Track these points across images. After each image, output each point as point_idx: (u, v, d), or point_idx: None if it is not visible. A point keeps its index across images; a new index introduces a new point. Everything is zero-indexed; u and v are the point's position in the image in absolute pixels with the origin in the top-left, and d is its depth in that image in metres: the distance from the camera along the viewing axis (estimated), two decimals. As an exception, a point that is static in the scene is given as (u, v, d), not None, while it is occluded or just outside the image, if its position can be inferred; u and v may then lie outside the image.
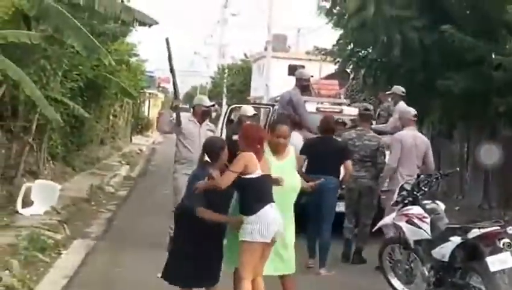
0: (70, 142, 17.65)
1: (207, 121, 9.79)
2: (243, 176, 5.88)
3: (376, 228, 7.91)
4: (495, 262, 5.98)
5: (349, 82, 24.07)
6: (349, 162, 8.79)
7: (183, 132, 9.43)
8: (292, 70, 46.36)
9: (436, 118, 15.95)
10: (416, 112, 9.41)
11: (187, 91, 74.56)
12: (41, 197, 11.43)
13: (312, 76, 11.55)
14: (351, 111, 11.99)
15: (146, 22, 12.69)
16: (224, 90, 52.63)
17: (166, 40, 9.14)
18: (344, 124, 10.90)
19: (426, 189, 7.32)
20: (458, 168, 9.05)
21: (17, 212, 10.98)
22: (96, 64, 18.15)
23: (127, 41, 22.15)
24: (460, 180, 16.10)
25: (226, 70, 56.46)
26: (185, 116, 9.60)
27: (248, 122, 8.66)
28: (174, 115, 9.55)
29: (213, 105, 10.25)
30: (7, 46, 11.22)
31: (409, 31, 14.08)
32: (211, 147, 6.21)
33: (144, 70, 30.38)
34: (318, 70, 34.18)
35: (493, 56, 13.06)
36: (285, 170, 6.33)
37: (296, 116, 10.32)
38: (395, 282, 7.47)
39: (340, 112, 12.00)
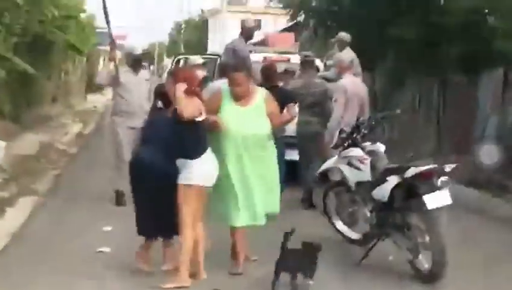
0: (18, 99, 17.19)
1: (143, 71, 9.78)
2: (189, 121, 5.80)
3: (319, 171, 7.85)
4: (432, 200, 5.95)
5: (303, 34, 23.89)
6: (291, 105, 8.56)
7: (121, 80, 9.30)
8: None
9: (389, 67, 15.91)
10: (352, 59, 9.45)
11: (146, 48, 73.50)
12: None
13: (255, 24, 11.24)
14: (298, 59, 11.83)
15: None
16: (182, 46, 52.11)
17: None
18: (293, 72, 10.75)
19: (366, 131, 7.28)
20: (399, 111, 9.01)
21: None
22: (42, 19, 17.72)
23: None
24: (413, 128, 16.17)
25: (183, 26, 55.88)
26: (121, 68, 9.53)
27: None
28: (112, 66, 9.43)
29: (147, 53, 10.16)
30: None
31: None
32: (162, 93, 6.30)
33: (94, 26, 29.65)
34: (274, 24, 34.09)
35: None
36: (249, 115, 6.27)
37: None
38: (339, 225, 7.51)
39: (288, 60, 11.92)
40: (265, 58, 11.51)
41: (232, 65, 9.40)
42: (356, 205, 7.18)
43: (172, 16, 61.59)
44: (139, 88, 9.28)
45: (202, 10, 54.53)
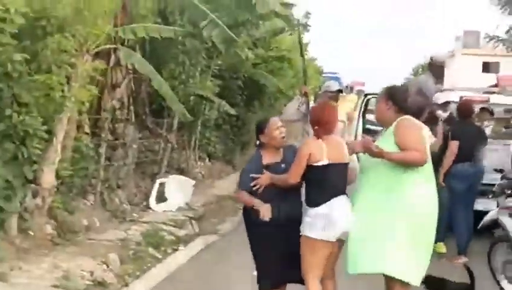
0: (230, 140, 17.57)
1: None
2: (308, 165, 5.17)
3: (481, 225, 6.76)
4: None
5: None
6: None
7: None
8: (486, 67, 44.10)
9: None
10: None
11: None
12: (176, 193, 11.30)
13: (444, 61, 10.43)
14: (502, 99, 11.12)
15: (281, 12, 12.23)
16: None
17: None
18: (490, 112, 9.94)
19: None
20: None
21: (150, 208, 10.93)
22: (257, 62, 18.04)
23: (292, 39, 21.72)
24: None
25: (420, 70, 54.76)
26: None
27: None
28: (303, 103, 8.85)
29: (340, 91, 9.30)
30: (143, 41, 11.33)
31: None
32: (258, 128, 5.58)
33: (320, 70, 29.85)
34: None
35: None
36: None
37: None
38: (504, 284, 6.49)
39: (487, 100, 10.91)
40: (461, 97, 10.47)
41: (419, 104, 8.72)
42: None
43: (411, 60, 60.23)
44: None
45: (446, 58, 53.04)
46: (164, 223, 9.94)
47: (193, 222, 10.53)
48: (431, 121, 8.96)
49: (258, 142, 5.53)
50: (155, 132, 12.83)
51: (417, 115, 8.43)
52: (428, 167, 5.15)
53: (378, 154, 4.98)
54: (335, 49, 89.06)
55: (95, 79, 9.16)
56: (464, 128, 8.56)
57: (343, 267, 5.21)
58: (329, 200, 5.13)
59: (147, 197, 11.30)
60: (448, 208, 8.35)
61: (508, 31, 16.09)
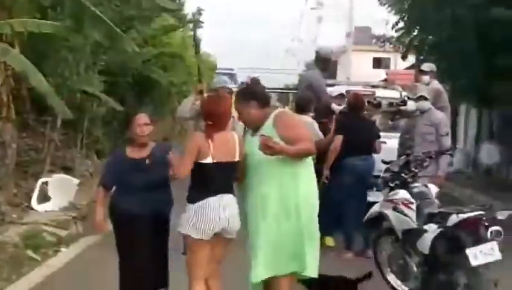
0: (119, 137, 17.22)
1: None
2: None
3: (365, 218, 6.85)
4: (477, 254, 4.88)
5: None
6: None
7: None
8: (377, 63, 45.29)
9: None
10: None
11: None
12: (59, 192, 10.95)
13: (332, 51, 10.69)
14: (387, 93, 11.29)
15: (170, 8, 12.09)
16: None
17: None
18: (378, 104, 10.10)
19: (417, 170, 6.25)
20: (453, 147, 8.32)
21: (32, 208, 10.56)
22: (148, 59, 17.84)
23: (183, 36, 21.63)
24: None
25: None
26: None
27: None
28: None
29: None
30: (22, 36, 10.91)
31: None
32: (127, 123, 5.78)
33: (214, 66, 29.78)
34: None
35: None
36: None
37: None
38: (392, 278, 6.47)
39: (373, 94, 11.20)
40: (347, 91, 10.67)
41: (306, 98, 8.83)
42: (406, 257, 6.12)
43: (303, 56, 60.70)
44: None
45: (331, 50, 54.00)
46: (45, 224, 9.56)
47: (77, 221, 10.24)
48: (326, 114, 9.13)
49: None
50: (38, 130, 12.39)
51: (306, 108, 8.59)
52: (311, 161, 5.19)
53: (279, 150, 4.80)
54: (232, 45, 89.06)
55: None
56: (354, 122, 8.59)
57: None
58: (207, 197, 5.01)
59: (29, 197, 10.86)
60: (337, 201, 8.48)
61: (394, 28, 16.47)
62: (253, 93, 5.18)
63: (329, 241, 8.73)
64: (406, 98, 9.27)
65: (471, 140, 18.46)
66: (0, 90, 10.67)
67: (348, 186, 8.42)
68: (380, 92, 11.67)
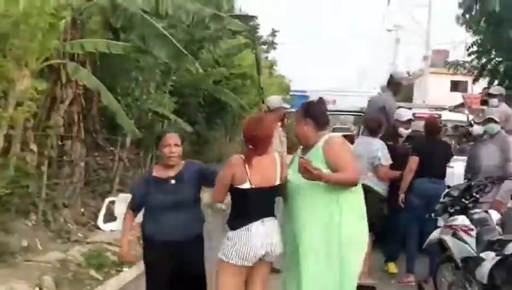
0: (190, 158, 17.23)
1: (280, 129, 8.69)
2: (231, 185, 4.86)
3: (426, 244, 6.53)
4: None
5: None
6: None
7: None
8: (454, 86, 44.30)
9: None
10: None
11: (352, 112, 73.20)
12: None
13: (408, 75, 10.68)
14: (453, 116, 11.52)
15: (237, 30, 12.05)
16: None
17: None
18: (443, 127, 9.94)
19: (478, 195, 5.91)
20: None
21: (98, 227, 10.60)
22: (219, 80, 17.89)
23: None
24: None
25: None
26: None
27: None
28: None
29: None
30: (94, 56, 11.08)
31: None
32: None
33: (288, 88, 29.71)
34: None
35: None
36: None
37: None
38: None
39: (439, 117, 10.73)
40: (414, 114, 10.36)
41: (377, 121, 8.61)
42: (466, 285, 5.80)
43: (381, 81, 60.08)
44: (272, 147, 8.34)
45: (408, 73, 53.30)
46: (110, 244, 9.59)
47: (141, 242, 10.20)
48: (392, 137, 8.86)
49: None
50: (107, 149, 12.51)
51: (376, 130, 8.37)
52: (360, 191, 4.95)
53: (317, 176, 4.60)
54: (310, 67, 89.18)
55: (44, 94, 8.89)
56: (428, 145, 8.35)
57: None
58: (248, 224, 4.82)
59: (96, 216, 10.94)
60: (404, 225, 8.18)
61: (468, 51, 16.00)
62: (312, 111, 4.97)
63: (393, 267, 8.46)
64: (472, 122, 8.91)
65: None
66: (72, 109, 10.82)
67: (414, 208, 8.10)
68: (446, 116, 11.35)
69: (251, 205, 4.83)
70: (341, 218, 4.75)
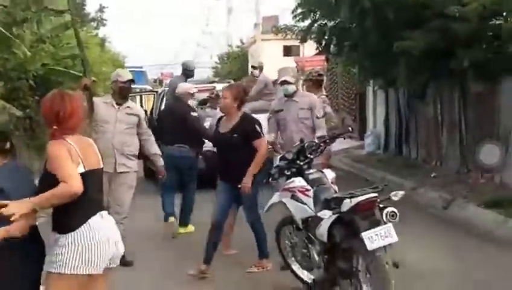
0: (25, 145, 16.55)
1: (129, 102, 8.01)
2: (52, 174, 3.96)
3: (266, 209, 6.56)
4: (373, 238, 4.76)
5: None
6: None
7: (95, 118, 7.66)
8: (287, 50, 45.43)
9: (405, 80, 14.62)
10: None
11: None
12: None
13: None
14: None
15: (60, 9, 11.65)
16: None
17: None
18: (217, 96, 10.98)
19: (312, 156, 6.14)
20: (351, 128, 8.52)
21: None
22: (45, 62, 17.20)
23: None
24: (436, 144, 14.88)
25: (226, 59, 55.58)
26: (102, 99, 7.99)
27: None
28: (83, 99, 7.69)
29: (132, 80, 8.33)
30: None
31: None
32: None
33: (122, 64, 29.12)
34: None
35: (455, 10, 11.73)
36: None
37: None
38: (297, 268, 6.33)
39: (213, 89, 13.18)
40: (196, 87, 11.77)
41: None
42: (309, 245, 5.97)
43: (215, 49, 60.47)
44: (118, 126, 7.87)
45: (241, 41, 53.97)
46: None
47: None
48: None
49: None
50: None
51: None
52: None
53: None
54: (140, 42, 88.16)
55: None
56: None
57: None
58: (87, 220, 3.98)
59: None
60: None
61: (293, 14, 16.29)
62: None
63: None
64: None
65: (381, 122, 18.62)
66: None
67: None
68: (219, 87, 13.22)
69: (88, 195, 3.97)
70: None
